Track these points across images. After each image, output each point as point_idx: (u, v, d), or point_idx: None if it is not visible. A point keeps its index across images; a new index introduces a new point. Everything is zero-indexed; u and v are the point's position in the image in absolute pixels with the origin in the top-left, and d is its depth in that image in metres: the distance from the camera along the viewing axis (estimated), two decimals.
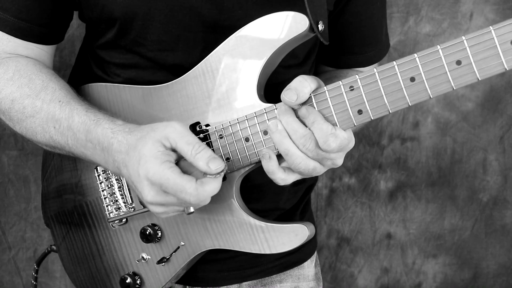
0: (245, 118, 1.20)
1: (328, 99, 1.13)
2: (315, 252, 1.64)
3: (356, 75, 1.11)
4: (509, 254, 2.33)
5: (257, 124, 1.20)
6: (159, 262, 1.34)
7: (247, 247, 1.27)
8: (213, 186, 1.12)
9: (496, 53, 1.00)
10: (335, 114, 1.13)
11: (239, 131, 1.21)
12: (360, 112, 1.11)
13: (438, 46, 1.04)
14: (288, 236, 1.23)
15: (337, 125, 1.13)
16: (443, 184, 2.28)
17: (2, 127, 2.19)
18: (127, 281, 1.37)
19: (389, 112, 1.09)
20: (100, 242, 1.42)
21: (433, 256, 2.34)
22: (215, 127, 1.23)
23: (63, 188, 1.45)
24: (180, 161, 1.15)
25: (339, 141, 1.11)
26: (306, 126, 1.13)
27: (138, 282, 1.37)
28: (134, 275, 1.37)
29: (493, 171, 2.26)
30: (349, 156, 2.24)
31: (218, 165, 1.10)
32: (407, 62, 1.06)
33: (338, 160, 1.16)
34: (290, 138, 1.13)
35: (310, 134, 1.12)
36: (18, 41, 1.33)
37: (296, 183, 1.22)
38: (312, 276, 1.59)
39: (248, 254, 1.28)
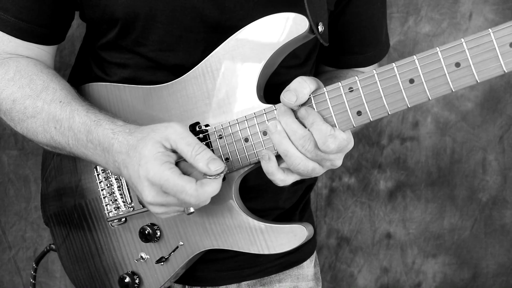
0: (245, 119, 1.21)
1: (328, 100, 1.13)
2: (315, 252, 1.64)
3: (356, 77, 1.11)
4: (509, 253, 2.33)
5: (257, 125, 1.20)
6: (158, 261, 1.34)
7: (246, 247, 1.27)
8: (213, 187, 1.12)
9: (495, 56, 1.00)
10: (334, 115, 1.13)
11: (239, 131, 1.21)
12: (359, 113, 1.11)
13: (437, 48, 1.04)
14: (287, 236, 1.24)
15: (336, 126, 1.13)
16: (443, 184, 2.28)
17: (2, 127, 2.19)
18: (125, 281, 1.37)
19: (388, 114, 1.10)
20: (99, 241, 1.42)
21: (433, 256, 2.34)
22: (215, 128, 1.23)
23: (63, 187, 1.45)
24: (180, 162, 1.15)
25: (338, 142, 1.11)
26: (305, 127, 1.13)
27: (137, 281, 1.37)
28: (133, 274, 1.38)
29: (493, 171, 2.26)
30: (348, 156, 2.24)
31: (218, 166, 1.11)
32: (406, 64, 1.07)
33: (337, 161, 1.16)
34: (289, 139, 1.13)
35: (309, 135, 1.12)
36: (19, 41, 1.33)
37: (295, 183, 1.22)
38: (311, 276, 1.60)
39: (247, 254, 1.28)
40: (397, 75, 1.07)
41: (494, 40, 1.00)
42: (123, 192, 1.36)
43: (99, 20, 1.32)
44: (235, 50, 1.21)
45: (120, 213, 1.36)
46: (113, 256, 1.40)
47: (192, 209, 1.15)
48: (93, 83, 1.38)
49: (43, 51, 1.38)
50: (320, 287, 1.64)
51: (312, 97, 1.14)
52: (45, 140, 1.29)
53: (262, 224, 1.25)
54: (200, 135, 1.24)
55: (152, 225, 1.33)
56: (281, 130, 1.13)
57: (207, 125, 1.25)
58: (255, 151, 1.21)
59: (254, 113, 1.20)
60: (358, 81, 1.10)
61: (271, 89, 1.24)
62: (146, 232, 1.32)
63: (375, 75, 1.09)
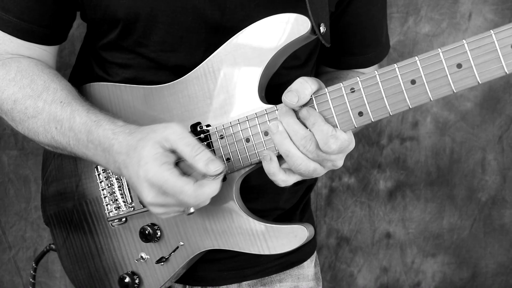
0: (246, 119, 1.21)
1: (329, 100, 1.13)
2: (315, 252, 1.64)
3: (357, 77, 1.11)
4: (508, 253, 2.33)
5: (258, 125, 1.20)
6: (158, 261, 1.34)
7: (246, 248, 1.27)
8: (212, 187, 1.12)
9: (497, 57, 1.00)
10: (335, 115, 1.13)
11: (240, 131, 1.21)
12: (360, 114, 1.11)
13: (439, 49, 1.04)
14: (287, 237, 1.24)
15: (337, 127, 1.13)
16: (442, 183, 2.28)
17: (2, 127, 2.20)
18: (125, 281, 1.37)
19: (390, 114, 1.09)
20: (99, 241, 1.42)
21: (432, 256, 2.34)
22: (216, 127, 1.23)
23: (63, 187, 1.45)
24: (180, 162, 1.15)
25: (339, 143, 1.11)
26: (306, 128, 1.13)
27: (136, 281, 1.37)
28: (133, 274, 1.37)
29: (492, 170, 2.26)
30: (348, 155, 2.23)
31: (217, 167, 1.10)
32: (408, 65, 1.07)
33: (338, 161, 1.16)
34: (291, 139, 1.13)
35: (310, 136, 1.12)
36: (20, 41, 1.33)
37: (296, 183, 1.22)
38: (312, 276, 1.60)
39: (248, 254, 1.28)
40: (399, 76, 1.07)
41: (495, 42, 1.00)
42: (124, 192, 1.36)
43: (100, 20, 1.32)
44: (237, 51, 1.21)
45: (121, 213, 1.36)
46: (113, 256, 1.40)
47: (192, 210, 1.15)
48: (94, 83, 1.38)
49: (45, 51, 1.38)
50: (321, 287, 1.64)
51: (313, 98, 1.14)
52: (46, 140, 1.29)
53: (262, 225, 1.25)
54: (202, 135, 1.25)
55: (152, 225, 1.33)
56: (282, 130, 1.13)
57: (208, 125, 1.25)
58: (256, 151, 1.21)
59: (256, 113, 1.20)
60: (359, 82, 1.10)
61: (272, 89, 1.24)
62: (147, 232, 1.32)
63: (377, 75, 1.09)
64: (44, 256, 1.62)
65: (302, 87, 1.12)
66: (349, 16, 1.43)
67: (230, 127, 1.22)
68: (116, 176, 1.36)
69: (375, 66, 1.56)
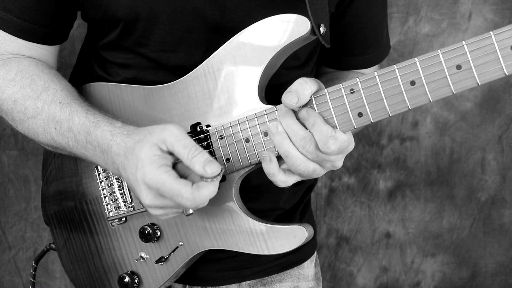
0: (246, 119, 1.21)
1: (329, 101, 1.13)
2: (315, 252, 1.64)
3: (357, 78, 1.11)
4: (507, 253, 2.34)
5: (258, 125, 1.20)
6: (158, 261, 1.34)
7: (246, 248, 1.27)
8: (209, 189, 1.11)
9: (496, 58, 1.00)
10: (335, 116, 1.13)
11: (240, 132, 1.21)
12: (360, 115, 1.11)
13: (439, 51, 1.04)
14: (287, 237, 1.24)
15: (337, 128, 1.13)
16: (442, 183, 2.28)
17: (2, 127, 2.20)
18: (125, 280, 1.37)
19: (389, 115, 1.09)
20: (99, 241, 1.42)
21: (432, 255, 2.34)
22: (216, 128, 1.23)
23: (63, 187, 1.45)
24: (177, 164, 1.15)
25: (339, 144, 1.11)
26: (306, 128, 1.13)
27: (136, 281, 1.37)
28: (132, 274, 1.38)
29: (492, 170, 2.26)
30: (348, 155, 2.22)
31: (214, 169, 1.09)
32: (408, 66, 1.07)
33: (338, 162, 1.16)
34: (290, 140, 1.13)
35: (310, 136, 1.12)
36: (21, 41, 1.33)
37: (296, 184, 1.22)
38: (312, 276, 1.60)
39: (248, 254, 1.28)
40: (398, 77, 1.07)
41: (495, 43, 0.99)
42: (124, 191, 1.36)
43: (100, 20, 1.32)
44: (237, 51, 1.21)
45: (121, 213, 1.36)
46: (113, 256, 1.40)
47: (191, 211, 1.15)
48: (94, 82, 1.38)
49: (46, 51, 1.38)
50: (321, 287, 1.64)
51: (313, 98, 1.14)
52: (45, 141, 1.29)
53: (262, 225, 1.25)
54: (201, 135, 1.25)
55: (152, 225, 1.33)
56: (282, 131, 1.13)
57: (208, 126, 1.25)
58: (256, 151, 1.21)
59: (255, 114, 1.20)
60: (359, 83, 1.10)
61: (271, 90, 1.24)
62: (146, 232, 1.32)
63: (376, 76, 1.09)
64: (44, 255, 1.62)
65: (302, 88, 1.11)
66: (349, 16, 1.43)
67: (230, 127, 1.22)
68: (116, 176, 1.37)
69: (376, 66, 1.56)
